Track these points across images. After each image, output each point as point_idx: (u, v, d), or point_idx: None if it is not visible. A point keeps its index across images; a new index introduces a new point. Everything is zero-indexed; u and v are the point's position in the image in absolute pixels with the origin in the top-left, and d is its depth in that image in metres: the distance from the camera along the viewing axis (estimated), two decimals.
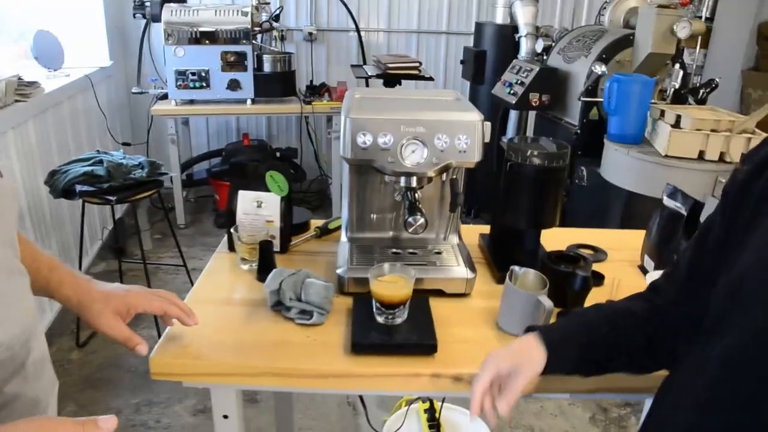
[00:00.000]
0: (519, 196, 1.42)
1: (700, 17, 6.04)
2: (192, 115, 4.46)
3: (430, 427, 2.08)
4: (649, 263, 1.52)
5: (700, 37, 5.95)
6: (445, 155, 1.27)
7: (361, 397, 2.36)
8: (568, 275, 1.28)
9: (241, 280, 1.42)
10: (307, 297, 1.23)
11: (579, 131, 3.26)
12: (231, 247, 1.55)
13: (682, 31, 2.86)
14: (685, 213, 1.42)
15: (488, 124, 1.31)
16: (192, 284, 2.98)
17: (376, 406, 2.61)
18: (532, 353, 0.98)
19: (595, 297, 1.34)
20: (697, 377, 0.82)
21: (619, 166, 2.87)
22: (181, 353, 1.13)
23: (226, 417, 1.18)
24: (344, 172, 1.44)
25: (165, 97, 4.18)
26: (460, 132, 1.27)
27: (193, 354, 1.13)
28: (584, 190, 3.22)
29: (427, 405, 2.10)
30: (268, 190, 1.51)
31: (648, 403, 1.75)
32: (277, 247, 1.50)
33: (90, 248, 3.70)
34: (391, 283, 1.18)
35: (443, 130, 1.26)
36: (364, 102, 1.38)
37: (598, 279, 1.47)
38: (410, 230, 1.27)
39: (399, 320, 1.19)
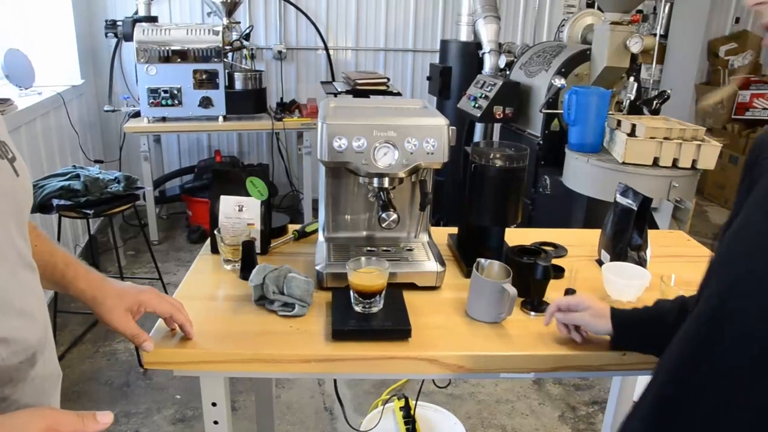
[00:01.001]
0: (483, 195, 1.53)
1: (655, 34, 6.32)
2: (164, 132, 4.53)
3: (406, 423, 2.16)
4: (605, 256, 1.64)
5: (655, 53, 6.22)
6: (414, 157, 1.37)
7: (339, 400, 2.44)
8: (530, 266, 1.39)
9: (225, 279, 1.50)
10: (290, 290, 1.32)
11: (541, 142, 3.40)
12: (214, 249, 1.63)
13: (635, 46, 3.03)
14: (635, 208, 1.54)
15: (453, 128, 1.42)
16: None
17: (353, 410, 2.69)
18: (602, 318, 1.19)
19: (555, 287, 1.45)
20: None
21: (580, 173, 3.01)
22: (172, 343, 1.20)
23: (214, 404, 1.25)
24: (320, 176, 1.53)
25: (137, 114, 4.24)
26: (428, 135, 1.37)
27: (182, 345, 1.20)
28: (548, 198, 3.36)
29: (402, 403, 2.19)
30: (248, 195, 1.59)
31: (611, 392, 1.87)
32: (258, 248, 1.58)
33: None
34: (367, 274, 1.27)
35: (412, 133, 1.37)
36: (338, 110, 1.48)
37: (559, 271, 1.59)
38: (384, 225, 1.37)
39: (375, 309, 1.28)
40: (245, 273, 1.45)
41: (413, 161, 1.38)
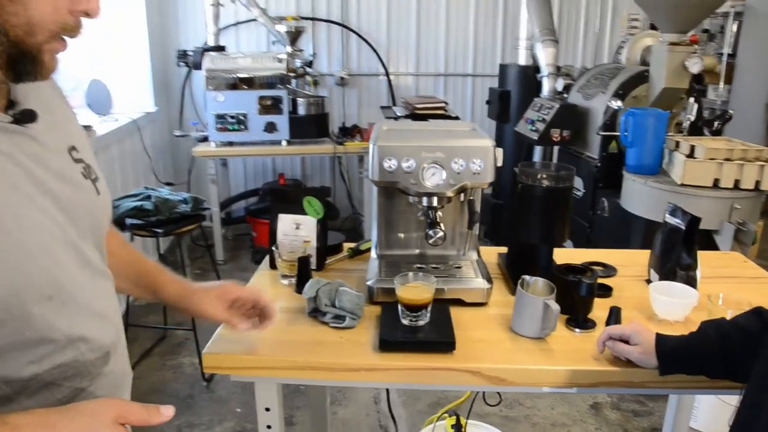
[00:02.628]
0: (530, 214, 1.57)
1: (722, 53, 6.20)
2: (231, 156, 4.72)
3: None
4: (654, 276, 1.65)
5: (723, 73, 6.09)
6: (461, 177, 1.43)
7: (393, 418, 2.49)
8: (575, 283, 1.42)
9: (281, 293, 1.58)
10: (341, 303, 1.39)
11: (599, 164, 3.39)
12: (272, 265, 1.72)
13: (694, 66, 3.00)
14: (683, 227, 1.55)
15: (500, 149, 1.48)
16: None
17: (407, 429, 2.73)
18: (650, 354, 1.21)
19: (602, 305, 1.47)
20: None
21: (638, 195, 2.99)
22: (230, 350, 1.29)
23: (268, 410, 1.33)
24: (373, 195, 1.61)
25: (205, 139, 4.44)
26: (474, 156, 1.43)
27: (240, 351, 1.29)
28: (606, 221, 3.34)
29: (453, 420, 2.22)
30: (305, 214, 1.68)
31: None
32: (313, 265, 1.66)
33: None
34: (414, 288, 1.33)
35: (459, 154, 1.43)
36: (390, 132, 1.55)
37: (606, 290, 1.60)
38: (430, 242, 1.43)
39: (422, 322, 1.34)
40: (300, 287, 1.52)
41: (460, 181, 1.43)
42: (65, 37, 0.80)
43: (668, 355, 1.19)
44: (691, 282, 1.55)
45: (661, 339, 1.21)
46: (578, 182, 3.63)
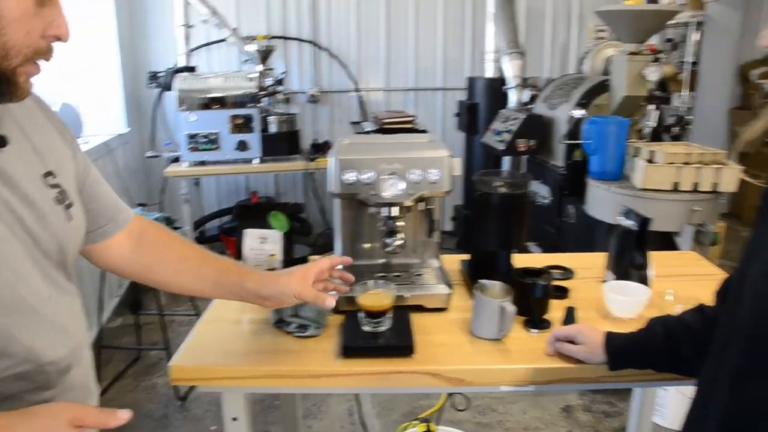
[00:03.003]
0: (488, 221, 1.62)
1: (684, 62, 6.36)
2: (203, 175, 4.73)
3: None
4: (610, 276, 1.71)
5: (687, 80, 6.24)
6: (419, 187, 1.48)
7: (364, 427, 2.51)
8: (531, 285, 1.47)
9: (247, 306, 1.60)
10: (304, 313, 1.43)
11: (564, 172, 3.47)
12: None
13: (652, 74, 3.10)
14: (636, 229, 1.61)
15: (458, 159, 1.53)
16: None
17: None
18: (596, 353, 1.28)
19: (559, 306, 1.53)
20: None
21: (602, 201, 3.07)
22: (197, 361, 1.32)
23: (235, 419, 1.35)
24: (335, 208, 1.65)
25: (177, 159, 4.45)
26: (431, 166, 1.48)
27: (207, 362, 1.32)
28: (572, 227, 3.41)
29: (424, 427, 2.26)
30: (271, 228, 1.72)
31: None
32: None
33: (107, 304, 3.90)
34: (374, 295, 1.37)
35: (416, 165, 1.48)
36: (350, 146, 1.60)
37: (563, 292, 1.66)
38: (388, 250, 1.48)
39: (382, 328, 1.38)
40: None
41: (418, 190, 1.48)
42: (38, 61, 0.84)
43: (617, 351, 1.25)
44: (645, 281, 1.61)
45: (609, 336, 1.26)
46: (545, 190, 3.70)
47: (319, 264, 1.26)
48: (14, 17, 0.78)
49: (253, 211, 4.63)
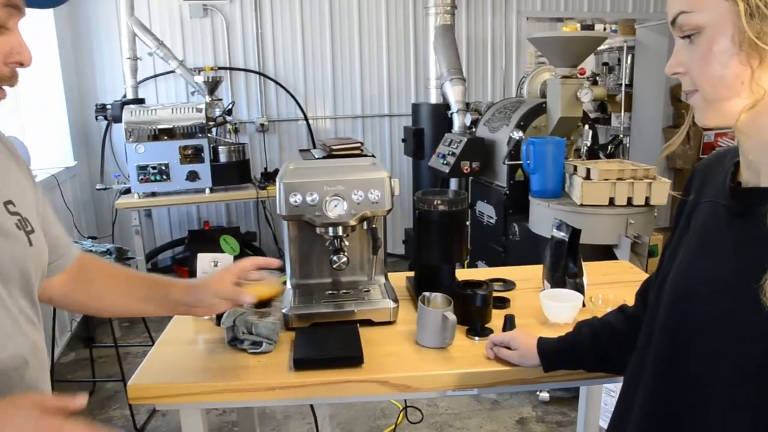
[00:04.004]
0: (429, 237, 1.71)
1: (621, 84, 6.65)
2: (154, 206, 4.72)
3: None
4: (546, 286, 1.81)
5: (622, 101, 6.53)
6: (361, 207, 1.57)
7: None
8: (471, 296, 1.56)
9: (202, 327, 1.67)
10: (257, 330, 1.49)
11: (507, 192, 3.61)
12: None
13: (585, 96, 3.27)
14: (567, 239, 1.73)
15: (396, 180, 1.63)
16: None
17: None
18: (529, 356, 1.37)
19: (499, 316, 1.62)
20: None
21: (543, 218, 3.20)
22: (155, 380, 1.37)
23: None
24: (283, 229, 1.72)
25: (128, 191, 4.45)
26: (372, 187, 1.57)
27: (165, 380, 1.37)
28: (518, 244, 3.54)
29: None
30: (222, 252, 1.77)
31: None
32: None
33: (60, 340, 3.86)
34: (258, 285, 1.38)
35: (358, 186, 1.56)
36: (295, 171, 1.68)
37: (504, 302, 1.76)
38: (335, 266, 1.56)
39: (271, 318, 1.48)
40: (220, 320, 1.61)
41: (360, 210, 1.57)
42: (3, 87, 0.90)
43: (548, 354, 1.34)
44: (579, 288, 1.72)
45: (541, 341, 1.36)
46: (490, 210, 3.83)
47: (239, 264, 1.32)
48: None
49: (205, 237, 4.65)
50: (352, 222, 1.58)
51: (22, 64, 0.91)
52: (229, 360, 1.46)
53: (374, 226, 1.68)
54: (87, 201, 5.00)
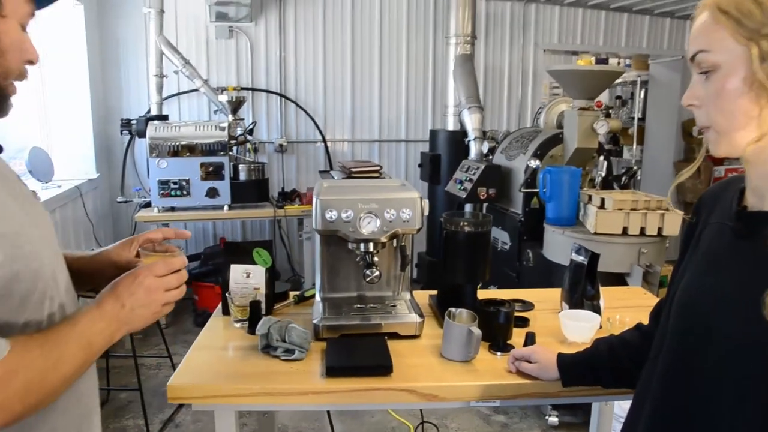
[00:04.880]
0: (455, 257, 1.79)
1: (633, 117, 6.75)
2: (173, 221, 4.81)
3: None
4: (565, 307, 1.88)
5: (635, 135, 6.61)
6: (393, 225, 1.65)
7: None
8: (495, 313, 1.63)
9: (235, 334, 1.74)
10: (290, 338, 1.56)
11: (522, 219, 3.69)
12: (225, 311, 1.88)
13: (601, 128, 3.36)
14: (586, 263, 1.80)
15: (426, 200, 1.70)
16: None
17: None
18: (549, 369, 1.44)
19: (520, 334, 1.69)
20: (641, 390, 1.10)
21: (558, 245, 3.27)
22: (191, 381, 1.44)
23: None
24: (316, 244, 1.80)
25: (148, 205, 4.55)
26: (404, 206, 1.65)
27: (201, 382, 1.44)
28: (531, 270, 3.60)
29: None
30: (255, 264, 1.85)
31: None
32: (263, 309, 1.83)
33: None
34: (162, 255, 1.30)
35: (391, 205, 1.65)
36: (330, 188, 1.76)
37: (524, 321, 1.83)
38: (367, 280, 1.63)
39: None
40: (252, 329, 1.69)
41: (392, 228, 1.65)
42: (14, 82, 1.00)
43: (567, 368, 1.41)
44: (596, 310, 1.79)
45: (561, 356, 1.43)
46: (505, 236, 3.91)
47: (147, 234, 1.33)
48: (12, 46, 0.95)
49: (239, 249, 4.72)
50: (383, 239, 1.66)
51: (31, 62, 1.01)
52: (262, 365, 1.53)
53: (403, 243, 1.75)
54: (106, 213, 5.10)
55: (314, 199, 1.66)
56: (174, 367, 3.68)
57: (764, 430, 0.85)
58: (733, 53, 0.87)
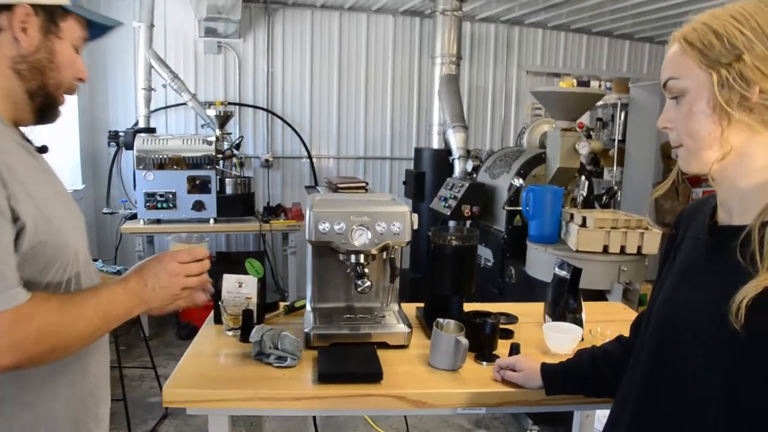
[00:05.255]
0: (442, 269, 1.85)
1: (614, 139, 6.88)
2: (159, 233, 4.83)
3: None
4: (548, 320, 1.94)
5: (615, 156, 6.73)
6: (383, 237, 1.70)
7: None
8: (481, 324, 1.69)
9: (227, 342, 1.78)
10: (283, 346, 1.60)
11: (506, 236, 3.76)
12: (217, 320, 1.91)
13: (583, 148, 3.45)
14: (568, 277, 1.87)
15: (416, 214, 1.76)
16: (160, 388, 3.28)
17: None
18: (533, 378, 1.49)
19: (504, 345, 1.74)
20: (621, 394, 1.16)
21: (540, 262, 3.35)
22: (186, 386, 1.47)
23: None
24: (308, 255, 1.85)
25: (134, 216, 4.56)
26: (394, 220, 1.71)
27: (195, 387, 1.47)
28: (514, 287, 3.67)
29: None
30: (247, 274, 1.90)
31: None
32: (254, 319, 1.87)
33: None
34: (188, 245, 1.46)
35: (382, 218, 1.70)
36: (323, 201, 1.82)
37: (509, 333, 1.88)
38: (359, 290, 1.68)
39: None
40: (245, 336, 1.73)
41: (383, 240, 1.70)
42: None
43: (551, 377, 1.47)
44: (578, 323, 1.85)
45: (544, 365, 1.49)
46: (488, 253, 3.98)
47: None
48: (66, 63, 1.16)
49: (230, 260, 4.74)
50: (374, 251, 1.71)
51: (81, 80, 1.21)
52: (255, 372, 1.57)
53: (393, 256, 1.81)
54: (92, 224, 5.09)
55: (307, 212, 1.71)
56: (158, 378, 3.69)
57: (729, 426, 0.91)
58: (698, 79, 0.96)
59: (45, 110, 1.18)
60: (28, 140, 1.19)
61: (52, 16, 1.12)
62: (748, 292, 0.87)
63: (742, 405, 0.90)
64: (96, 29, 1.25)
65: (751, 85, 0.91)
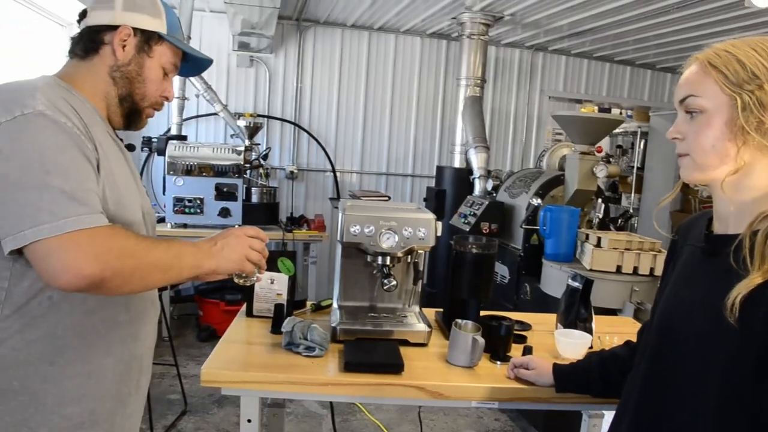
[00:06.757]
0: (462, 274, 1.97)
1: (633, 166, 6.97)
2: (186, 237, 4.99)
3: None
4: (559, 327, 2.05)
5: (633, 183, 6.81)
6: (409, 241, 1.83)
7: None
8: (497, 327, 1.81)
9: (259, 333, 1.91)
10: (312, 337, 1.73)
11: (522, 254, 3.87)
12: (249, 313, 2.05)
13: (600, 172, 3.57)
14: (580, 288, 1.98)
15: (440, 222, 1.89)
16: (181, 386, 3.41)
17: None
18: (545, 375, 1.61)
19: (518, 349, 1.86)
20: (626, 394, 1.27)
21: (555, 280, 3.45)
22: (222, 368, 1.60)
23: (249, 421, 1.62)
24: (337, 255, 1.98)
25: (162, 220, 4.72)
26: (420, 225, 1.84)
27: (231, 369, 1.60)
28: (528, 303, 3.77)
29: None
30: (279, 271, 2.03)
31: None
32: (285, 312, 2.00)
33: None
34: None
35: (409, 224, 1.83)
36: (354, 206, 1.95)
37: (522, 339, 2.00)
38: (385, 288, 1.81)
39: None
40: (276, 328, 1.86)
41: (409, 244, 1.83)
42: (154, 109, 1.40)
43: (561, 376, 1.59)
44: (588, 331, 1.96)
45: (556, 365, 1.61)
46: (504, 270, 4.08)
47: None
48: (152, 79, 1.38)
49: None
50: (400, 254, 1.84)
51: (167, 99, 1.44)
52: (285, 359, 1.70)
53: (417, 260, 1.94)
54: None
55: (340, 215, 1.85)
56: (180, 376, 3.82)
57: (719, 418, 1.02)
58: (718, 100, 1.05)
59: (131, 116, 1.39)
60: (119, 137, 1.38)
61: (148, 39, 1.35)
62: (741, 289, 0.98)
63: (736, 394, 1.00)
64: (192, 68, 1.53)
65: (767, 111, 1.02)
